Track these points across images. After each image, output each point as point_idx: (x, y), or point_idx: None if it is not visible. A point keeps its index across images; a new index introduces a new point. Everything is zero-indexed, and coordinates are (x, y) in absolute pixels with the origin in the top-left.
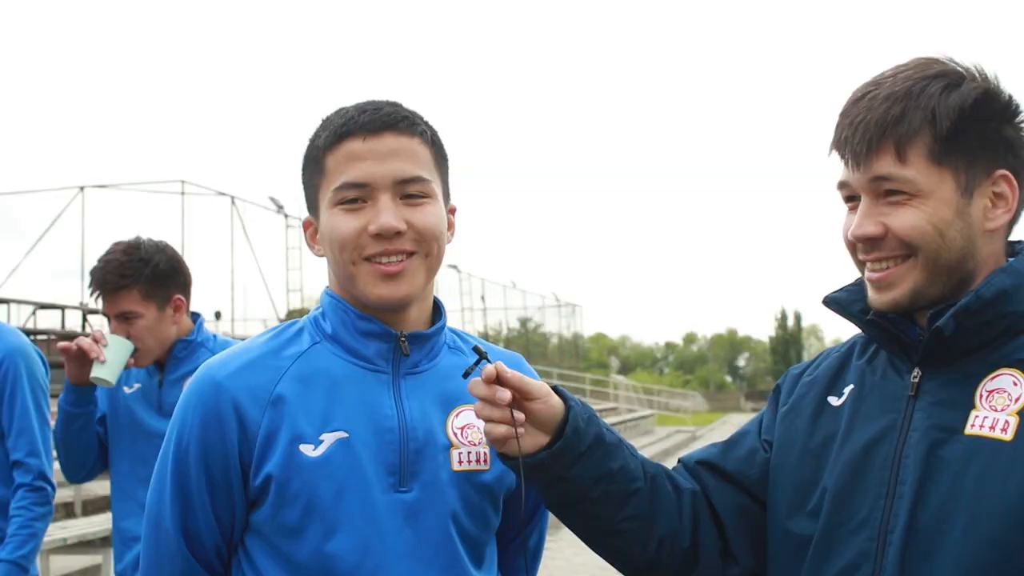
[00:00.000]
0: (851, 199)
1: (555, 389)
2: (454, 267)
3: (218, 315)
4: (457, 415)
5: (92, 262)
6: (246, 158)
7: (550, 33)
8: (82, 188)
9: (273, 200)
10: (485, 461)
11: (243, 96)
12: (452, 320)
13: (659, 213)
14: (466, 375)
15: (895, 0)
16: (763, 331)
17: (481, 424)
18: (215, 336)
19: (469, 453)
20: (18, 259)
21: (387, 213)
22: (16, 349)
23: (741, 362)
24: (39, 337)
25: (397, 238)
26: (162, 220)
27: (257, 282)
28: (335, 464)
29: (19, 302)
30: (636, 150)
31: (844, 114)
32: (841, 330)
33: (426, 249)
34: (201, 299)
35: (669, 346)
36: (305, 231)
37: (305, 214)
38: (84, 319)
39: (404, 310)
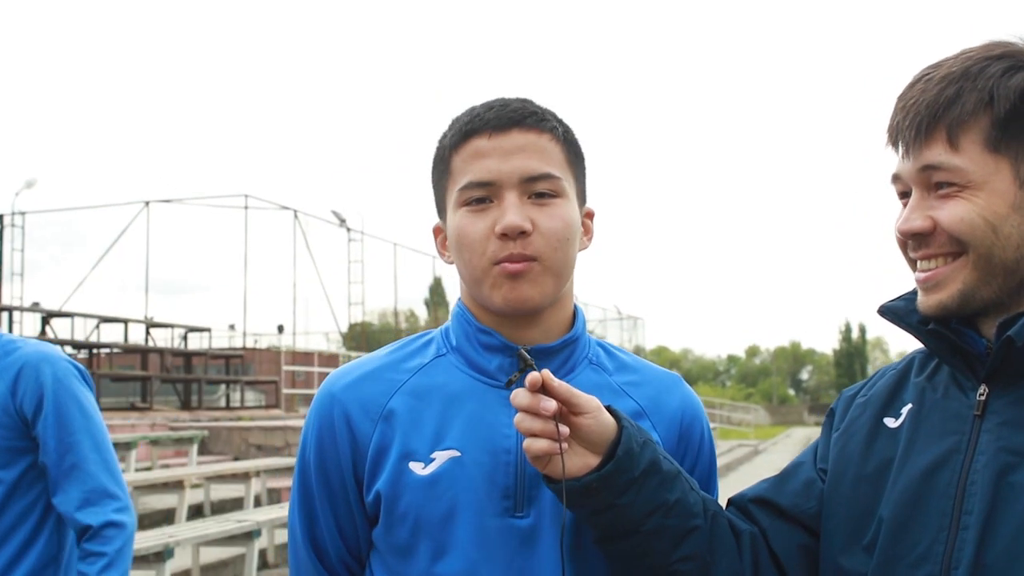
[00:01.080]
0: (904, 194)
1: (608, 408)
2: None
3: (280, 329)
4: None
5: (158, 275)
6: (309, 172)
7: (609, 45)
8: (147, 203)
9: (336, 214)
10: None
11: (306, 111)
12: None
13: (721, 224)
14: (508, 385)
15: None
16: (827, 344)
17: None
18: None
19: None
20: (84, 273)
21: (512, 211)
22: (41, 356)
23: (804, 375)
24: (103, 350)
25: (523, 238)
26: (226, 234)
27: (319, 296)
28: (445, 484)
29: (83, 315)
30: (698, 162)
31: (899, 98)
32: (908, 343)
33: (551, 255)
34: (264, 312)
35: (731, 359)
36: (435, 238)
37: (369, 229)
38: (147, 332)
39: (534, 320)
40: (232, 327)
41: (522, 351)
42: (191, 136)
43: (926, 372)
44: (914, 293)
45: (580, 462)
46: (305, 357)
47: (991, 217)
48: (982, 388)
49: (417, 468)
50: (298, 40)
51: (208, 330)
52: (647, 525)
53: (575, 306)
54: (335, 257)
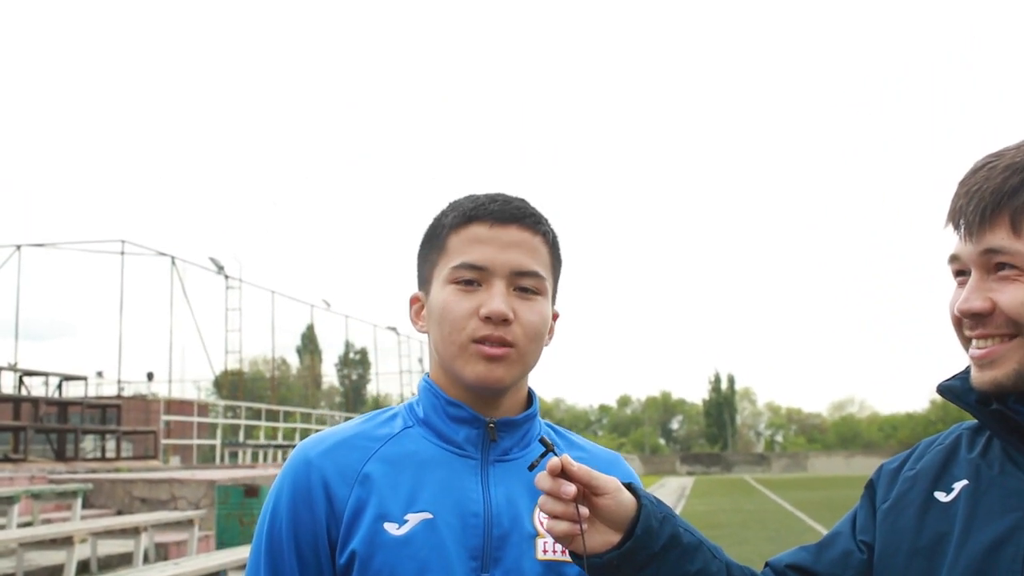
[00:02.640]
0: (960, 273)
1: (629, 486)
2: (393, 329)
3: (150, 376)
4: None
5: (28, 318)
6: (187, 218)
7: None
8: (19, 247)
9: (213, 260)
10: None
11: (184, 155)
12: (390, 384)
13: (591, 274)
14: (531, 468)
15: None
16: (697, 394)
17: None
18: None
19: (555, 543)
20: None
21: (499, 299)
22: None
23: (675, 424)
24: None
25: (504, 326)
26: (101, 280)
27: (195, 343)
28: (418, 544)
29: None
30: (566, 212)
31: (962, 183)
32: (774, 394)
33: (525, 345)
34: (137, 359)
35: (603, 408)
36: (411, 306)
37: (247, 276)
38: (20, 381)
39: (496, 399)
40: (100, 374)
41: (544, 437)
42: (66, 178)
43: (977, 449)
44: (967, 371)
45: (602, 540)
46: (182, 406)
47: None
48: None
49: (392, 528)
50: (172, 83)
51: (84, 379)
52: None
53: (529, 388)
54: (213, 304)
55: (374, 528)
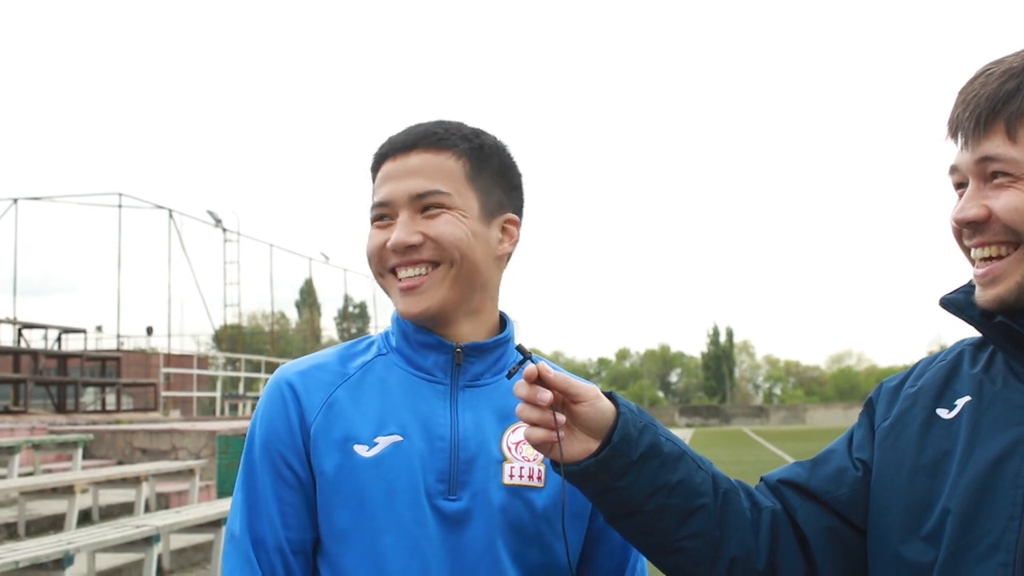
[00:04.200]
0: (961, 185)
1: (610, 395)
2: None
3: (150, 330)
4: (514, 431)
5: (26, 274)
6: (185, 171)
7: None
8: (15, 200)
9: (211, 214)
10: (539, 479)
11: (181, 107)
12: None
13: (591, 227)
14: (509, 376)
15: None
16: (695, 347)
17: None
18: None
19: (522, 468)
20: None
21: (400, 229)
22: None
23: (673, 378)
24: None
25: (413, 251)
26: (98, 233)
27: (194, 296)
28: (387, 466)
29: None
30: (567, 162)
31: (960, 92)
32: (772, 346)
33: (448, 258)
34: (136, 313)
35: (602, 361)
36: None
37: (245, 229)
38: (19, 333)
39: (452, 323)
40: (99, 328)
41: (521, 345)
42: (62, 131)
43: (979, 364)
44: (971, 286)
45: (581, 447)
46: (181, 360)
47: None
48: None
49: (362, 451)
50: (173, 35)
51: (84, 331)
52: (649, 505)
53: (502, 313)
54: (211, 258)
55: (345, 450)
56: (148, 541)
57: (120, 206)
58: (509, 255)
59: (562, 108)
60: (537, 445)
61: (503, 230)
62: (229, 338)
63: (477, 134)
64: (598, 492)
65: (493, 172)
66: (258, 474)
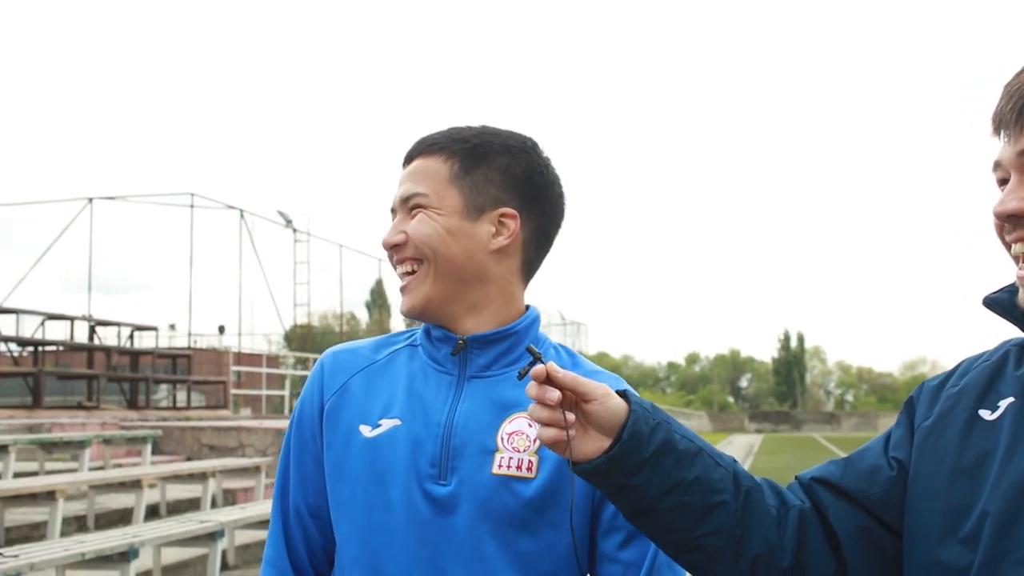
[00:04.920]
0: (1004, 182)
1: (623, 393)
2: None
3: (221, 329)
4: (510, 422)
5: (100, 273)
6: (255, 172)
7: (529, 44)
8: (91, 200)
9: (282, 214)
10: (530, 469)
11: (253, 109)
12: None
13: (663, 231)
14: (520, 377)
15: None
16: (765, 352)
17: (530, 431)
18: None
19: (511, 459)
20: (24, 270)
21: (389, 230)
22: None
23: (743, 383)
24: (48, 348)
25: (398, 250)
26: (171, 233)
27: (264, 296)
28: (384, 447)
29: (28, 312)
30: (640, 169)
31: (1006, 87)
32: (844, 352)
33: (425, 255)
34: (207, 312)
35: (672, 366)
36: None
37: (315, 230)
38: (92, 330)
39: (454, 318)
40: (172, 327)
41: (531, 346)
42: (137, 131)
43: None
44: (1015, 286)
45: (594, 446)
46: (251, 358)
47: None
48: None
49: (365, 431)
50: (246, 39)
51: (155, 329)
52: (665, 503)
53: (529, 307)
54: (281, 258)
55: (350, 430)
56: (212, 536)
57: (192, 206)
58: (518, 248)
59: (631, 112)
60: (550, 444)
61: (499, 223)
62: (299, 338)
63: (481, 135)
64: (613, 490)
65: (490, 169)
66: (291, 443)
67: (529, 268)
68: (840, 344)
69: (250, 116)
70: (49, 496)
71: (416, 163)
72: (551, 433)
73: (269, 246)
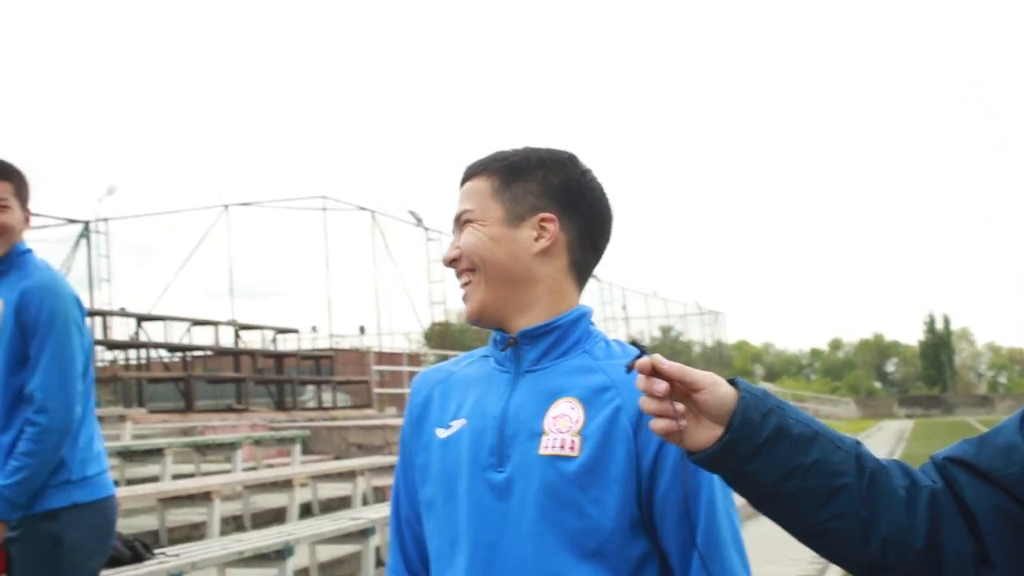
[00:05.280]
0: None
1: (733, 381)
2: (594, 276)
3: (362, 330)
4: (555, 406)
5: (240, 278)
6: (385, 173)
7: (679, 43)
8: (226, 206)
9: (413, 214)
10: (572, 448)
11: (382, 111)
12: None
13: (802, 217)
14: (628, 370)
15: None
16: (911, 335)
17: (573, 414)
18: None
19: (555, 439)
20: (166, 277)
21: (447, 249)
22: (43, 286)
23: (890, 367)
24: (196, 353)
25: (456, 264)
26: (304, 236)
27: (400, 296)
28: (453, 444)
29: (174, 319)
30: (775, 154)
31: None
32: (995, 333)
33: (475, 263)
34: (345, 313)
35: (815, 352)
36: None
37: (446, 228)
38: (237, 334)
39: (508, 320)
40: (314, 329)
41: (635, 340)
42: (268, 138)
43: None
44: None
45: (707, 434)
46: (392, 357)
47: None
48: None
49: (441, 433)
50: (372, 42)
51: (296, 331)
52: (785, 488)
53: (580, 306)
54: (414, 256)
55: (428, 435)
56: (364, 533)
57: (324, 209)
58: (562, 250)
59: (767, 96)
60: (663, 435)
61: (539, 228)
62: (438, 335)
63: (519, 153)
64: (732, 477)
65: (528, 182)
66: (399, 456)
67: (578, 268)
68: (988, 325)
69: (379, 117)
70: (205, 497)
71: (466, 185)
72: (662, 424)
73: (402, 245)
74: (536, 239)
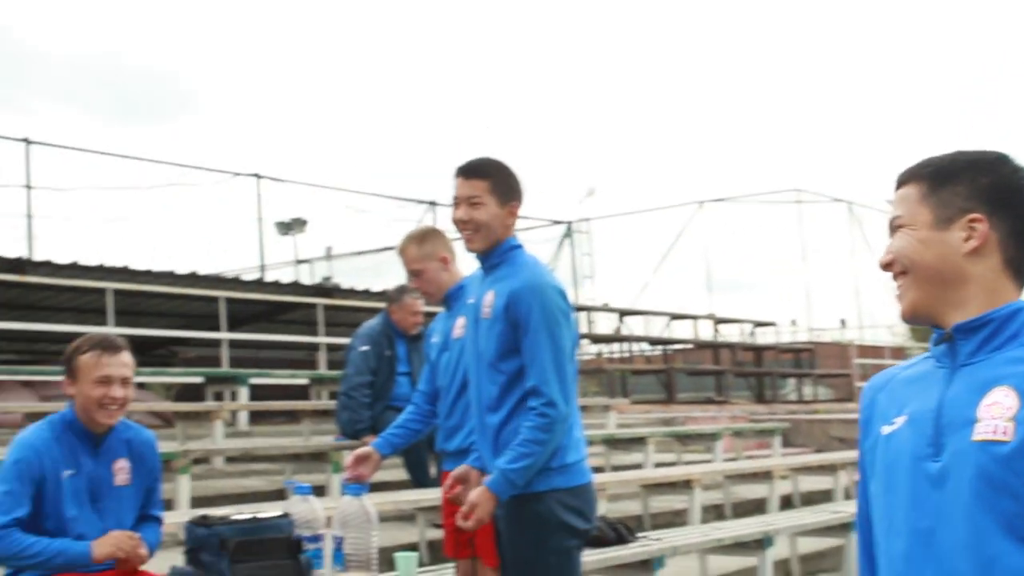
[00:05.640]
0: None
1: None
2: None
3: (843, 323)
4: (990, 394)
5: (716, 272)
6: (862, 163)
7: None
8: (701, 203)
9: (891, 203)
10: (1005, 433)
11: (856, 100)
12: None
13: None
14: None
15: None
16: None
17: (1006, 400)
18: None
19: (988, 425)
20: (644, 273)
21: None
22: (531, 286)
23: None
24: (675, 346)
25: (890, 267)
26: (779, 229)
27: (881, 288)
28: (895, 439)
29: (654, 313)
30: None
31: None
32: None
33: (906, 266)
34: (823, 306)
35: None
36: None
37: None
38: (715, 328)
39: (943, 316)
40: (794, 322)
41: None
42: (742, 133)
43: None
44: None
45: None
46: (874, 351)
47: None
48: None
49: (885, 429)
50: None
51: (774, 324)
52: None
53: (1018, 301)
54: None
55: (875, 432)
56: (846, 527)
57: (799, 202)
58: (994, 248)
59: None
60: None
61: (969, 228)
62: (923, 328)
63: (948, 157)
64: None
65: (957, 184)
66: (859, 465)
67: (1013, 265)
68: None
69: (852, 106)
70: (686, 485)
71: (898, 192)
72: None
73: (881, 236)
74: (966, 240)
